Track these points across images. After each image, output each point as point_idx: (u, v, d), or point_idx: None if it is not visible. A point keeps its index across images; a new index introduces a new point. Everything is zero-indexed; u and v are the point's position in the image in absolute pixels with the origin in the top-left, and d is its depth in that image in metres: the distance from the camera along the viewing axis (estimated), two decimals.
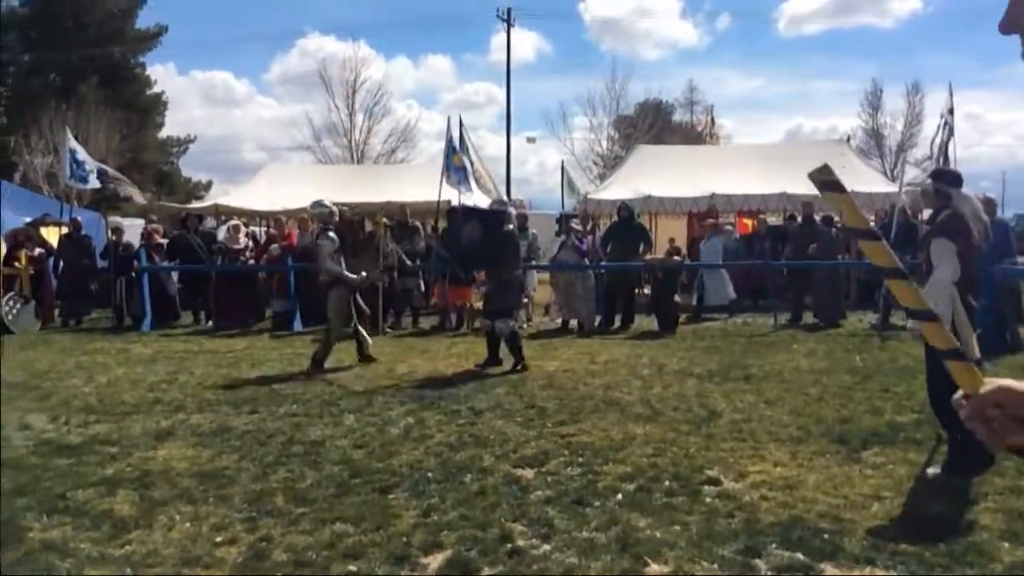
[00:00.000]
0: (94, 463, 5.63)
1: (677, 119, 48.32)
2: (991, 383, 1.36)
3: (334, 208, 9.98)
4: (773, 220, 18.52)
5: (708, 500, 4.83)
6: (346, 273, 9.45)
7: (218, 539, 4.28)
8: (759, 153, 20.85)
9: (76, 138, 17.26)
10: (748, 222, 19.45)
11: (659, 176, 18.19)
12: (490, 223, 9.56)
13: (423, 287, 14.59)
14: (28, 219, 16.41)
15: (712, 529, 4.35)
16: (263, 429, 6.55)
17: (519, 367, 9.08)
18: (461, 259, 10.43)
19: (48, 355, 10.60)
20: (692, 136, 43.38)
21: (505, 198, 11.60)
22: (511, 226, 9.84)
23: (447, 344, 11.47)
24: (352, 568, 3.90)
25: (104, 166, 17.20)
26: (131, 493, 4.99)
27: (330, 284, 9.49)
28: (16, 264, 13.89)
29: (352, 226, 10.42)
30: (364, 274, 9.73)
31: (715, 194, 17.09)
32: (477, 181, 16.74)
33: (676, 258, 13.77)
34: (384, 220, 13.56)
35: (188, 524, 4.49)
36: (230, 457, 5.77)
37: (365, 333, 9.82)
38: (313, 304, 13.79)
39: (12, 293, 13.61)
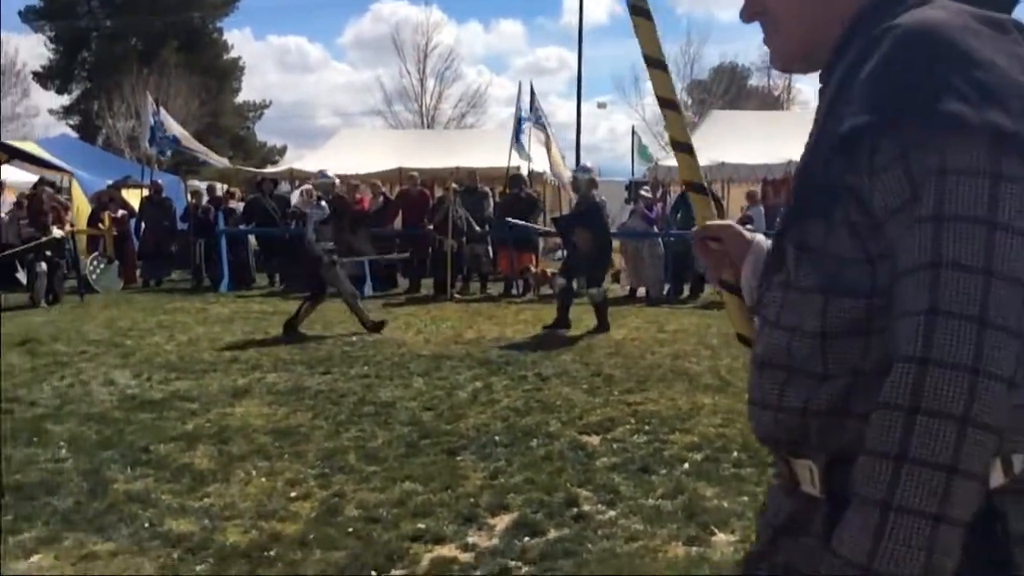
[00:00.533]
0: (174, 418, 5.85)
1: (753, 83, 47.13)
2: (722, 221, 1.52)
3: (336, 180, 10.27)
4: None
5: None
6: (314, 245, 9.36)
7: (292, 494, 4.42)
8: None
9: (156, 102, 17.71)
10: None
11: (733, 142, 17.82)
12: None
13: (491, 253, 14.66)
14: (110, 182, 16.97)
15: None
16: (335, 389, 6.70)
17: (602, 330, 9.34)
18: (559, 224, 10.74)
19: (130, 314, 11.00)
20: (769, 101, 42.26)
21: (588, 164, 11.56)
22: (593, 191, 10.16)
23: (514, 310, 11.53)
24: (421, 526, 3.99)
25: (180, 134, 17.62)
26: (210, 448, 5.18)
27: (321, 259, 9.35)
28: (100, 225, 14.40)
29: (344, 201, 10.57)
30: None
31: (792, 161, 16.68)
32: (547, 149, 16.69)
33: (749, 226, 13.49)
34: (454, 186, 13.64)
35: (264, 479, 4.65)
36: (304, 415, 5.93)
37: (307, 310, 9.47)
38: (384, 268, 14.03)
39: (96, 253, 14.13)
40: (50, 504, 4.25)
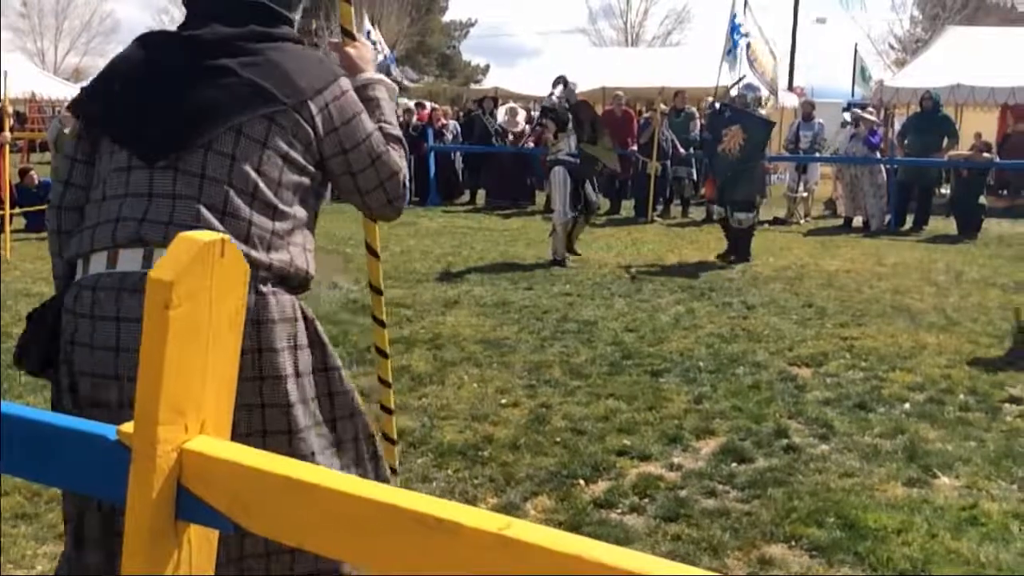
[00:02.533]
0: (392, 323, 6.18)
1: None
2: None
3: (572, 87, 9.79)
4: None
5: (1009, 419, 4.45)
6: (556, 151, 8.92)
7: (502, 401, 4.60)
8: None
9: (372, 20, 18.34)
10: None
11: (970, 62, 16.16)
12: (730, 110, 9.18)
13: (695, 176, 14.27)
14: None
15: (1013, 449, 4.02)
16: (539, 305, 6.85)
17: (739, 260, 8.81)
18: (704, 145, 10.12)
19: (346, 224, 11.66)
20: (1012, 17, 37.88)
21: (755, 81, 10.69)
22: (760, 111, 9.27)
23: (717, 236, 11.22)
24: (626, 442, 4.04)
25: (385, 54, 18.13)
26: (425, 352, 5.47)
27: (553, 163, 8.96)
28: None
29: (587, 107, 9.80)
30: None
31: None
32: (752, 64, 15.82)
33: (985, 155, 12.31)
34: (661, 107, 13.30)
35: (475, 385, 4.86)
36: (510, 328, 6.12)
37: (582, 224, 9.17)
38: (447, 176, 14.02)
39: None
40: None
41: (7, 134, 9.62)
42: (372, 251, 2.57)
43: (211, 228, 1.60)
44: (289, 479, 1.03)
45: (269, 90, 1.70)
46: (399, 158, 1.88)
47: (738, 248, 9.08)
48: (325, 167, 1.81)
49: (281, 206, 1.73)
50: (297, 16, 1.91)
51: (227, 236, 1.15)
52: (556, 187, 8.85)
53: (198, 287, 1.10)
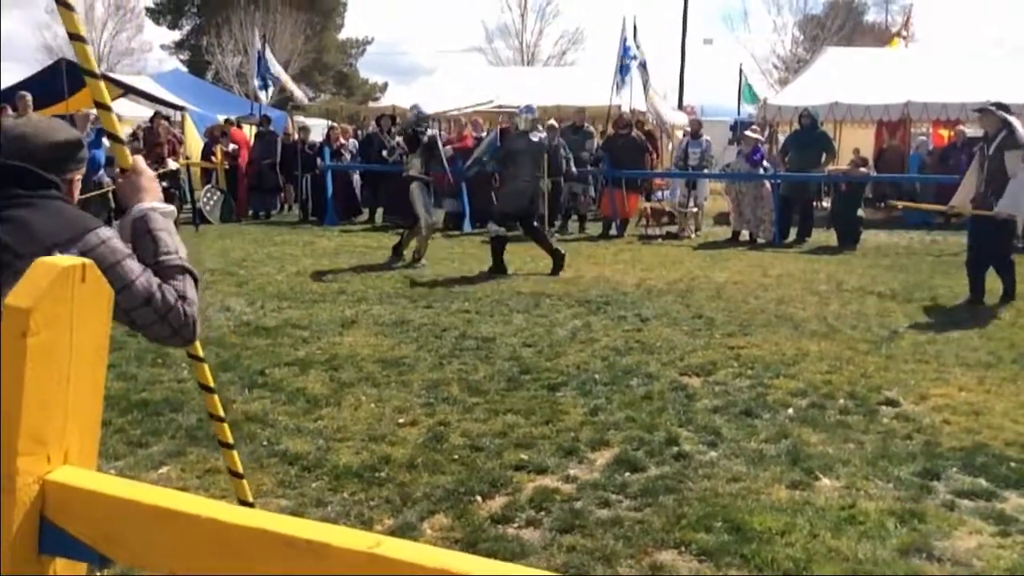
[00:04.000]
0: (288, 344, 6.09)
1: (870, 19, 44.79)
2: None
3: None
4: (972, 131, 17.06)
5: (885, 421, 4.69)
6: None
7: (400, 420, 4.58)
8: (962, 57, 19.10)
9: (263, 39, 18.05)
10: (944, 133, 18.00)
11: (848, 81, 17.05)
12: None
13: (592, 192, 14.55)
14: (223, 117, 17.47)
15: (888, 449, 4.24)
16: (438, 323, 6.85)
17: (489, 270, 9.30)
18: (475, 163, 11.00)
19: (242, 245, 11.42)
20: (886, 38, 40.11)
21: (531, 104, 11.13)
22: (535, 135, 9.78)
23: (613, 251, 11.47)
24: (524, 456, 4.08)
25: (277, 72, 17.84)
26: (321, 373, 5.40)
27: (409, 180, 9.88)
28: (212, 159, 14.90)
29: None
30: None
31: (910, 103, 15.90)
32: (644, 87, 16.31)
33: (862, 169, 12.98)
34: (551, 122, 13.50)
35: (373, 405, 4.82)
36: (409, 347, 6.10)
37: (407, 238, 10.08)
38: (484, 204, 14.11)
39: (209, 185, 14.66)
40: (175, 420, 4.51)
41: None
42: (204, 387, 2.43)
43: None
44: (156, 507, 1.02)
45: (10, 245, 1.74)
46: (184, 287, 1.89)
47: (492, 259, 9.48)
48: None
49: None
50: (73, 175, 1.96)
51: (88, 260, 1.13)
52: (417, 199, 9.79)
53: (57, 313, 1.07)
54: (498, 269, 9.30)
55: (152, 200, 1.99)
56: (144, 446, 4.20)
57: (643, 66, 15.79)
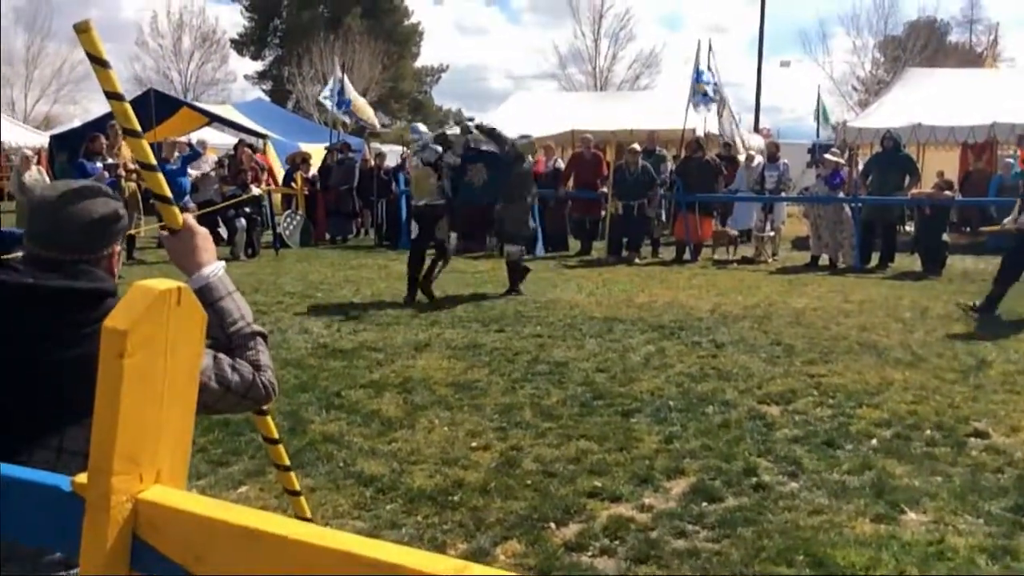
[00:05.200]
0: (363, 367, 6.18)
1: (953, 39, 43.58)
2: None
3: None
4: None
5: (974, 453, 4.50)
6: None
7: (473, 444, 4.59)
8: None
9: (343, 68, 18.49)
10: None
11: (930, 103, 16.60)
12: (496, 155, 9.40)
13: (664, 217, 14.43)
14: (301, 144, 17.94)
15: (978, 483, 4.07)
16: (510, 347, 6.85)
17: (511, 292, 9.27)
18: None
19: (320, 268, 11.66)
20: (970, 59, 38.98)
21: (527, 133, 10.87)
22: (522, 161, 9.56)
23: (687, 275, 11.33)
24: (597, 483, 4.04)
25: (353, 100, 18.10)
26: (396, 396, 5.45)
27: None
28: (293, 185, 15.29)
29: None
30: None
31: (996, 124, 15.38)
32: (719, 109, 16.17)
33: (947, 193, 12.57)
34: (635, 147, 13.47)
35: (446, 428, 4.84)
36: (481, 370, 6.11)
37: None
38: (556, 229, 14.13)
39: (289, 211, 15.02)
40: (255, 440, 4.60)
41: None
42: (268, 440, 2.42)
43: None
44: (246, 528, 1.03)
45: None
46: (257, 355, 1.81)
47: (511, 280, 9.48)
48: None
49: None
50: (111, 249, 1.79)
51: (183, 284, 1.16)
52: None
53: (153, 336, 1.10)
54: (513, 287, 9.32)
55: (209, 262, 1.84)
56: (224, 465, 4.30)
57: (716, 90, 15.66)
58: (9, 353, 1.63)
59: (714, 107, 15.88)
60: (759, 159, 14.66)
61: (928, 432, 4.80)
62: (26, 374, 1.62)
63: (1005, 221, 8.19)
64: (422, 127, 10.20)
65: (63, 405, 1.57)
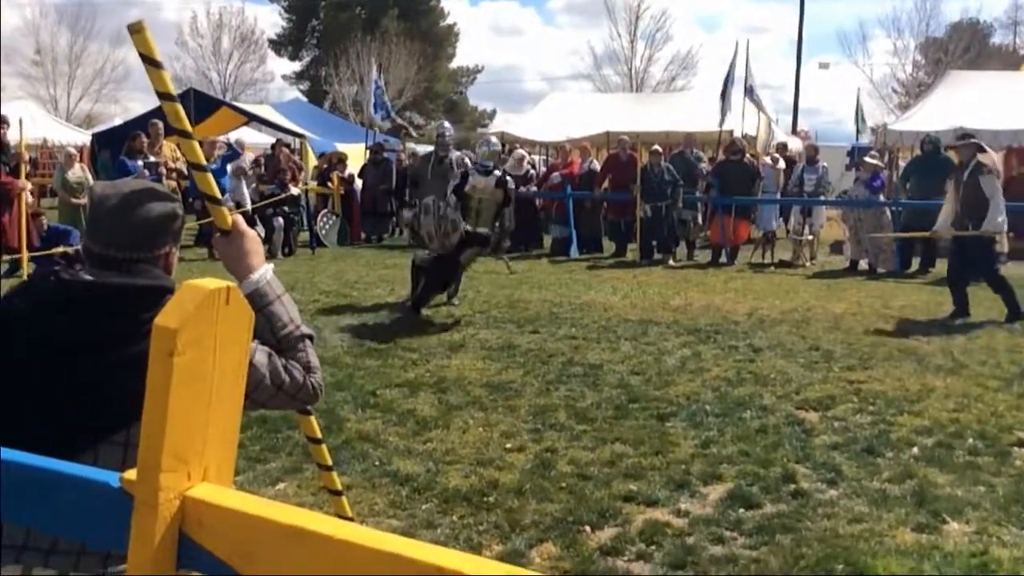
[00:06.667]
0: (398, 366, 6.20)
1: (996, 42, 42.78)
2: None
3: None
4: None
5: (1019, 463, 4.42)
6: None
7: (508, 445, 4.58)
8: None
9: (379, 68, 18.59)
10: None
11: (973, 106, 16.29)
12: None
13: (700, 219, 14.32)
14: (338, 144, 18.06)
15: (1022, 493, 3.98)
16: (544, 348, 6.84)
17: (408, 303, 8.31)
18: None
19: (356, 267, 11.73)
20: (1013, 61, 38.22)
21: (445, 124, 10.57)
22: (446, 155, 9.38)
23: (723, 279, 11.24)
24: (633, 487, 4.01)
25: (389, 102, 18.18)
26: (431, 396, 5.46)
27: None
28: (329, 184, 15.40)
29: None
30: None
31: None
32: (757, 110, 16.04)
33: None
34: (656, 147, 13.38)
35: (481, 429, 4.84)
36: (515, 372, 6.11)
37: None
38: (591, 231, 14.09)
39: (326, 210, 15.14)
40: (292, 438, 4.63)
41: (26, 182, 9.70)
42: (312, 439, 2.41)
43: None
44: (293, 527, 1.03)
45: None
46: (307, 357, 1.82)
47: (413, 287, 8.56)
48: None
49: None
50: (168, 249, 1.80)
51: (232, 283, 1.17)
52: None
53: (202, 334, 1.11)
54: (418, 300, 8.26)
55: (260, 265, 1.83)
56: (263, 462, 4.33)
57: (750, 91, 15.51)
58: (72, 350, 1.65)
59: (751, 107, 15.76)
60: (783, 161, 14.56)
61: (971, 441, 4.71)
62: (90, 371, 1.64)
63: (984, 226, 8.07)
64: (492, 140, 9.52)
65: (127, 401, 1.59)
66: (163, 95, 1.74)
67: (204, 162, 1.86)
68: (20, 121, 10.97)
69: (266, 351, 1.76)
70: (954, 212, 8.43)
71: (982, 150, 8.42)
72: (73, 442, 1.57)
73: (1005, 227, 8.30)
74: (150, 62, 1.69)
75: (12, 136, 11.33)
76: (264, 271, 1.84)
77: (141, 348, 1.58)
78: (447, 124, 10.80)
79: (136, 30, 1.64)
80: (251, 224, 10.90)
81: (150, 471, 1.09)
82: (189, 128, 1.79)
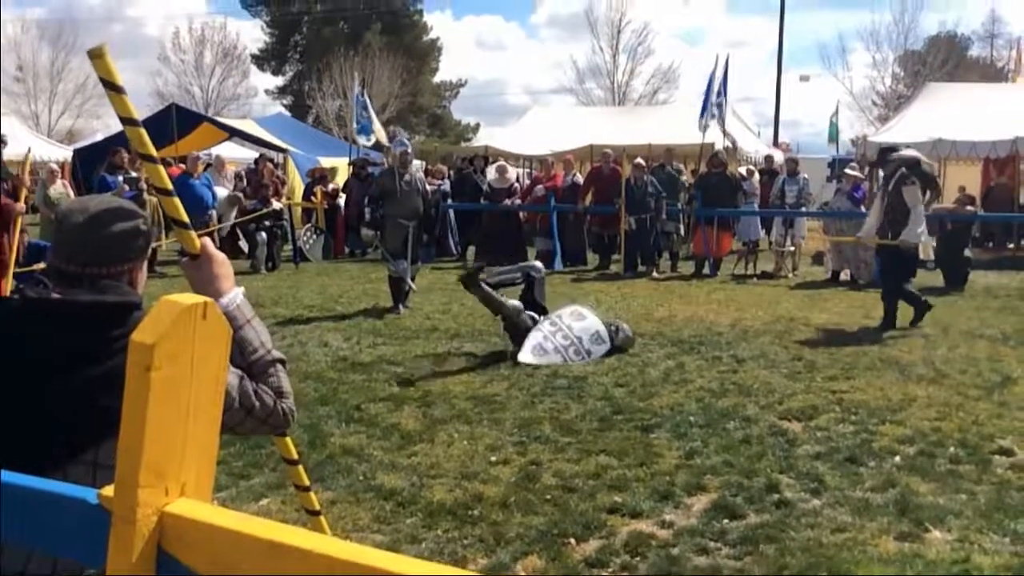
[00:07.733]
0: (382, 380, 6.18)
1: (973, 54, 43.33)
2: None
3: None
4: None
5: (999, 471, 4.45)
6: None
7: (492, 458, 4.58)
8: None
9: (362, 83, 18.57)
10: None
11: (951, 117, 16.49)
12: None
13: (683, 232, 14.39)
14: (321, 159, 18.03)
15: (1004, 501, 4.01)
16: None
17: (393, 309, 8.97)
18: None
19: (340, 282, 11.70)
20: (991, 73, 38.72)
21: (404, 138, 10.69)
22: (407, 172, 9.39)
23: (706, 290, 11.29)
24: (617, 499, 4.01)
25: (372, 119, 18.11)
26: (415, 410, 5.45)
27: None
28: (313, 199, 15.38)
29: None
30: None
31: (1019, 138, 15.26)
32: (721, 122, 16.10)
33: (969, 208, 12.46)
34: (638, 160, 13.45)
35: (466, 442, 4.83)
36: (500, 384, 6.10)
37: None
38: (575, 243, 14.13)
39: (309, 225, 15.11)
40: (275, 454, 4.59)
41: (22, 205, 9.60)
42: (288, 461, 2.39)
43: None
44: (272, 543, 1.03)
45: None
46: (278, 382, 1.81)
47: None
48: None
49: None
50: (133, 265, 1.78)
51: (209, 299, 1.17)
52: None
53: (180, 349, 1.11)
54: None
55: (230, 289, 1.82)
56: (246, 478, 4.31)
57: (719, 107, 15.58)
58: (40, 369, 1.64)
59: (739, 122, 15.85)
60: (757, 174, 14.71)
61: (952, 449, 4.74)
62: (58, 389, 1.62)
63: (902, 236, 8.21)
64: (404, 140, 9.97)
65: (96, 419, 1.57)
66: (125, 120, 1.71)
67: (169, 186, 1.83)
68: (28, 149, 10.81)
69: (237, 373, 1.74)
70: (878, 221, 8.61)
71: (916, 164, 8.61)
72: (41, 461, 1.55)
73: (924, 238, 8.52)
74: (111, 87, 1.67)
75: (15, 152, 11.16)
76: (234, 295, 1.82)
77: (111, 365, 1.57)
78: (406, 139, 10.79)
79: (97, 55, 1.62)
80: (235, 240, 10.93)
81: (128, 487, 1.09)
82: (154, 153, 1.77)
